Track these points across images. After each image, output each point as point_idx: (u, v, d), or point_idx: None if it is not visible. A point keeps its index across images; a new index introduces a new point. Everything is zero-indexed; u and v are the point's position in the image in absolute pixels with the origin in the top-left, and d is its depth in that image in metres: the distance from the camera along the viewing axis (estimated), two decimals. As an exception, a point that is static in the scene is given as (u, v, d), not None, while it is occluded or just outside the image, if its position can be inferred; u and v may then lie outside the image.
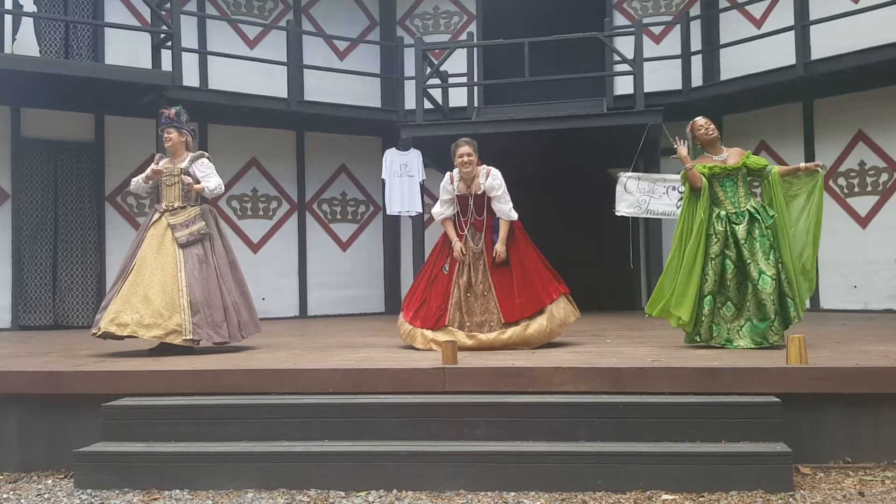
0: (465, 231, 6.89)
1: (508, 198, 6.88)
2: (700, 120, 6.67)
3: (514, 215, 6.88)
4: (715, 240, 6.39)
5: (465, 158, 6.84)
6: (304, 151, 13.52)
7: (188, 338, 6.74)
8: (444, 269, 6.91)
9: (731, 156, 6.55)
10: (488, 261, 6.78)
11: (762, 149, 11.93)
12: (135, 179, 7.39)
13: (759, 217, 6.37)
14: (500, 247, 6.78)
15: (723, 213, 6.44)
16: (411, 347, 6.90)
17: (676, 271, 6.49)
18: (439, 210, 7.06)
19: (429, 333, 6.74)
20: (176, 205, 7.15)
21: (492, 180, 6.84)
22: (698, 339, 6.51)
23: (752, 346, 6.27)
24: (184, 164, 7.17)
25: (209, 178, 7.21)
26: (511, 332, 6.60)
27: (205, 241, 7.11)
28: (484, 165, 6.96)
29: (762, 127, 11.87)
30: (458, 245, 6.83)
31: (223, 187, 7.38)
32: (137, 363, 6.10)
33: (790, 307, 6.34)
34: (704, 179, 6.50)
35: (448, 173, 7.05)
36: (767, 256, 6.27)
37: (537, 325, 6.64)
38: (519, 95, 13.97)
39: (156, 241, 7.02)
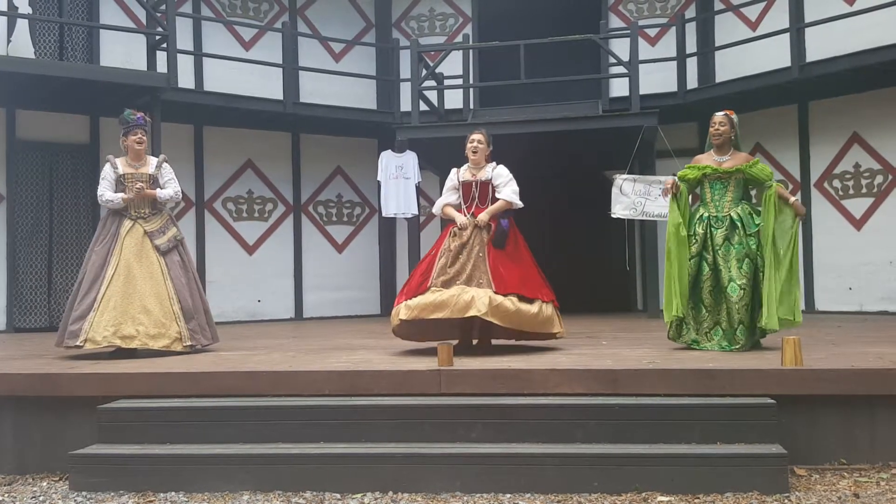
0: (468, 215, 6.67)
1: (516, 185, 6.72)
2: (717, 116, 6.55)
3: (518, 201, 6.69)
4: (693, 241, 6.43)
5: (476, 144, 6.74)
6: (300, 153, 13.50)
7: (188, 344, 6.80)
8: (431, 253, 6.71)
9: (732, 160, 6.49)
10: (488, 244, 6.53)
11: (757, 151, 11.93)
12: (113, 197, 7.02)
13: (740, 224, 6.35)
14: (483, 215, 6.58)
15: (705, 214, 6.46)
16: (415, 351, 6.72)
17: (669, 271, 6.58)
18: (440, 200, 6.91)
19: (412, 301, 6.37)
20: (146, 211, 7.08)
21: (498, 170, 6.75)
22: (668, 336, 6.65)
23: (717, 349, 6.30)
24: (151, 170, 7.12)
25: (170, 184, 7.16)
26: (501, 299, 6.24)
27: (180, 247, 7.11)
28: (493, 161, 6.86)
29: (757, 129, 11.88)
30: (461, 217, 6.63)
31: (180, 195, 7.29)
32: (132, 365, 6.09)
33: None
34: (683, 185, 6.57)
35: (454, 168, 6.94)
36: (740, 265, 6.29)
37: (527, 306, 6.37)
38: (515, 97, 13.97)
39: (135, 250, 6.92)
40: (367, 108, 13.53)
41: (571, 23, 13.05)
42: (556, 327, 6.68)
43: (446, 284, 6.36)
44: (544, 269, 6.93)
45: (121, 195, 7.04)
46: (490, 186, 6.72)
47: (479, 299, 6.19)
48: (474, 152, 6.75)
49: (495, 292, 6.27)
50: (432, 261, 6.59)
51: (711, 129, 6.55)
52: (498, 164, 6.85)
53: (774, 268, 6.24)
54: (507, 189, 6.68)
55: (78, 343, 6.69)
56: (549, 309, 6.61)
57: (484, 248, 6.52)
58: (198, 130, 12.52)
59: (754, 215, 6.40)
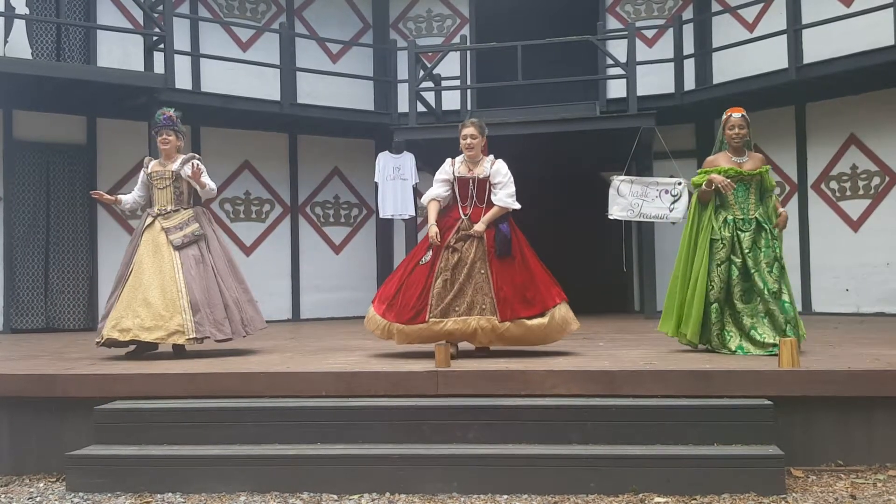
0: (464, 217, 6.33)
1: (513, 187, 6.39)
2: (735, 118, 6.28)
3: (515, 204, 6.38)
4: (721, 245, 6.15)
5: (469, 141, 6.37)
6: (297, 154, 13.50)
7: (191, 336, 6.74)
8: (422, 261, 6.30)
9: (750, 160, 6.29)
10: (489, 251, 6.24)
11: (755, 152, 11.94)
12: (125, 199, 7.42)
13: (767, 227, 6.16)
14: (479, 226, 6.24)
15: (730, 217, 6.21)
16: (412, 353, 6.53)
17: (685, 283, 6.29)
18: (430, 191, 6.51)
19: (409, 329, 6.15)
20: (169, 208, 7.13)
21: (497, 166, 6.40)
22: (710, 346, 6.24)
23: (763, 353, 5.95)
24: (175, 167, 7.15)
25: (204, 177, 7.21)
26: (507, 325, 6.11)
27: (200, 243, 7.10)
28: (491, 155, 6.52)
29: (755, 130, 11.52)
30: (433, 229, 6.24)
31: (216, 190, 7.42)
32: (130, 366, 6.09)
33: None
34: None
35: (449, 159, 6.56)
36: (771, 269, 6.08)
37: (538, 321, 6.20)
38: (512, 99, 13.98)
39: (151, 245, 7.00)
40: (364, 110, 13.51)
41: (569, 24, 13.07)
42: (571, 326, 6.43)
43: (445, 313, 6.10)
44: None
45: (116, 196, 7.42)
46: (488, 184, 6.38)
47: (482, 332, 6.09)
48: (469, 148, 6.40)
49: (500, 320, 6.09)
50: (427, 277, 6.23)
51: (730, 132, 6.28)
52: (496, 157, 6.52)
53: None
54: (503, 193, 6.33)
55: (97, 339, 6.92)
56: (561, 310, 6.34)
57: (485, 262, 6.23)
58: (195, 131, 12.51)
59: (774, 218, 6.22)
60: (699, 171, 6.46)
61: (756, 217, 6.20)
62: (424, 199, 6.57)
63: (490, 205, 6.39)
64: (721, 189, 6.17)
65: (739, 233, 6.18)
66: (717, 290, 6.15)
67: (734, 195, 6.24)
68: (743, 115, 6.30)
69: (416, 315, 6.16)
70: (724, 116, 6.37)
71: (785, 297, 6.09)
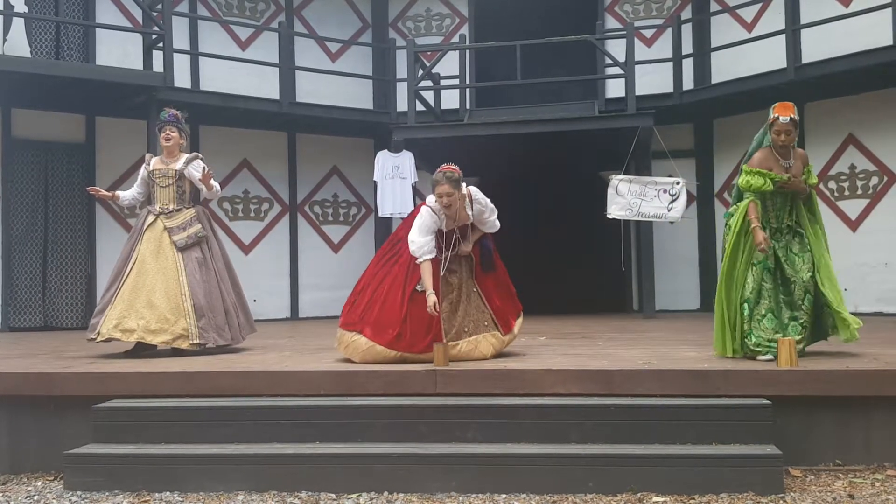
0: (443, 270, 6.08)
1: (496, 211, 6.27)
2: (782, 123, 5.74)
3: (498, 226, 6.33)
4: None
5: (445, 200, 5.91)
6: (296, 153, 13.50)
7: (195, 342, 6.72)
8: (418, 287, 5.95)
9: (796, 162, 5.91)
10: (476, 267, 6.24)
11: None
12: (123, 195, 7.41)
13: (801, 231, 5.92)
14: (467, 245, 6.17)
15: (766, 225, 5.86)
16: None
17: (729, 289, 5.90)
18: (422, 243, 5.94)
19: (423, 357, 5.87)
20: (171, 207, 7.11)
21: (478, 206, 6.11)
22: (732, 354, 5.81)
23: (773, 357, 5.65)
24: (179, 166, 7.14)
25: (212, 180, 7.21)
26: (508, 336, 6.30)
27: (202, 244, 7.09)
28: (462, 189, 6.06)
29: (752, 130, 11.69)
30: (432, 298, 5.76)
31: (220, 192, 7.42)
32: (128, 365, 6.08)
33: (826, 318, 5.89)
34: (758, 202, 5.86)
35: (430, 207, 6.02)
36: (812, 272, 5.80)
37: (517, 326, 6.42)
38: (511, 98, 13.98)
39: (153, 245, 6.96)
40: (363, 108, 13.52)
41: (568, 24, 13.07)
42: None
43: (458, 335, 6.06)
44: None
45: (114, 193, 7.41)
46: (470, 225, 6.19)
47: (493, 349, 6.15)
48: (448, 206, 5.95)
49: (504, 334, 6.24)
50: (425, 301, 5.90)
51: (776, 138, 5.79)
52: (469, 188, 6.11)
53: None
54: (491, 221, 6.21)
55: (91, 336, 6.79)
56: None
57: (473, 280, 6.23)
58: (194, 130, 12.47)
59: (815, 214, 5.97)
60: (748, 171, 5.89)
61: (788, 224, 5.93)
62: (418, 255, 5.95)
63: (473, 232, 6.26)
64: (757, 248, 5.76)
65: (774, 242, 5.87)
66: (750, 291, 5.82)
67: (771, 202, 5.92)
68: (792, 119, 5.73)
69: (430, 340, 5.93)
70: (771, 116, 5.82)
71: (804, 307, 5.83)
